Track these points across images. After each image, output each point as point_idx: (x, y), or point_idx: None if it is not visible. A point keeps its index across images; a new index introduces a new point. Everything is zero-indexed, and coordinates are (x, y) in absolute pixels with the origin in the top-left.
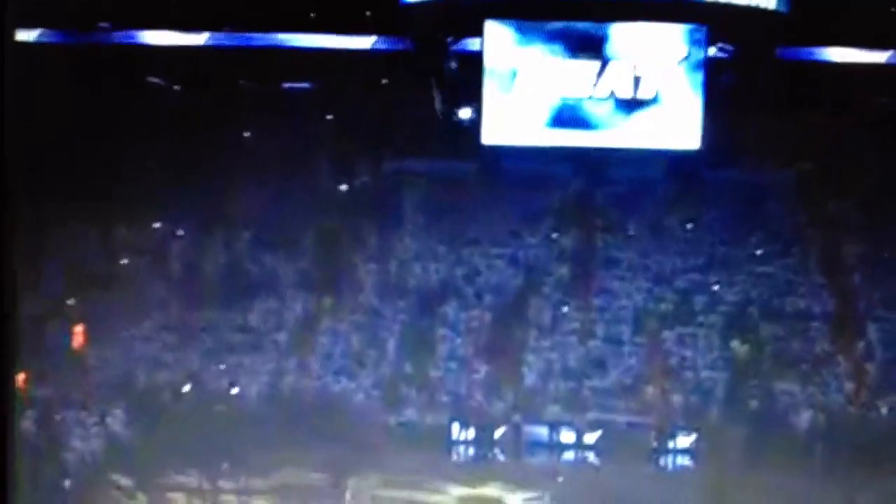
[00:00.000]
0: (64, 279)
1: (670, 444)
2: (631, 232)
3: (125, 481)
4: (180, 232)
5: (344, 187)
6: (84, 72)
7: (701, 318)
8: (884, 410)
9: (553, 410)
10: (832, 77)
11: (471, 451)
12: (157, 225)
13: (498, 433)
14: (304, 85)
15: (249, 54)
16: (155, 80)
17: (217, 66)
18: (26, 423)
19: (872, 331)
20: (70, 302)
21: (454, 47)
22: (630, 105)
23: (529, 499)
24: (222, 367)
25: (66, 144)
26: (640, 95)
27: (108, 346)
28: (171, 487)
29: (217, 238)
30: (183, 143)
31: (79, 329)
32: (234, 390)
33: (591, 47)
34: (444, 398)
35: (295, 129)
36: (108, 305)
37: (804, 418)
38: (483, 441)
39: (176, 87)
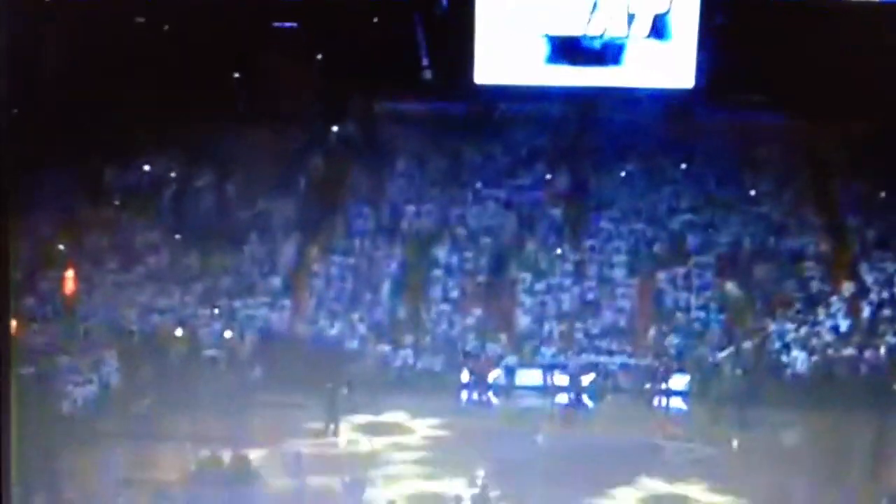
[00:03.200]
0: (55, 224)
1: (663, 386)
2: (624, 173)
3: (118, 426)
4: (172, 174)
5: (335, 128)
6: (72, 12)
7: (695, 259)
8: (875, 350)
9: (548, 353)
10: (828, 15)
11: (465, 393)
12: (147, 167)
13: (492, 376)
14: (293, 24)
15: None
16: (142, 20)
17: (205, 6)
18: (20, 369)
19: (865, 271)
20: (60, 247)
21: None
22: (623, 43)
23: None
24: (216, 311)
25: (54, 88)
26: (634, 33)
27: (99, 292)
28: (163, 433)
29: (207, 180)
30: (172, 84)
31: (69, 274)
32: (228, 334)
33: None
34: (438, 341)
35: (284, 69)
36: (99, 250)
37: (797, 358)
38: (477, 384)
39: (164, 28)
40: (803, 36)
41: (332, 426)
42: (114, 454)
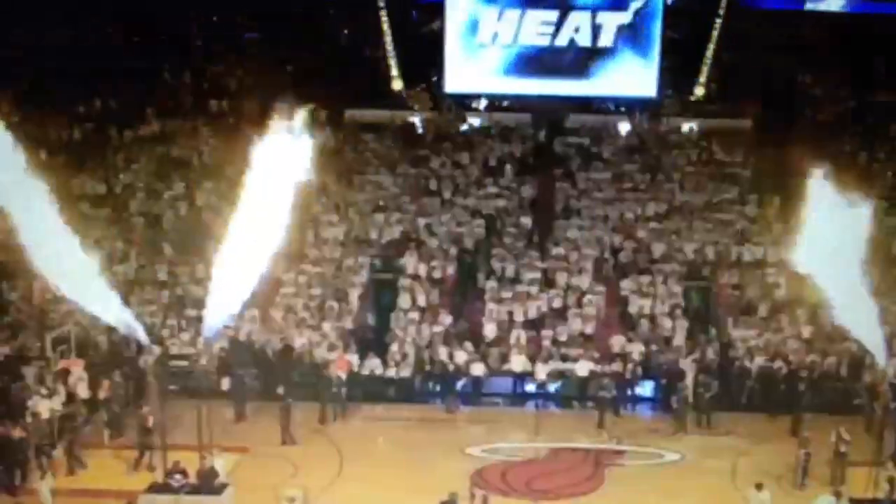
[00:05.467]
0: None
1: (629, 392)
2: (590, 181)
3: (84, 436)
4: (140, 184)
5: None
6: (44, 23)
7: (660, 267)
8: (833, 358)
9: (515, 360)
10: (792, 24)
11: (432, 401)
12: (115, 177)
13: (459, 384)
14: (264, 35)
15: (209, 3)
16: (111, 31)
17: (176, 17)
18: None
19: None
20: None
21: None
22: (589, 54)
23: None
24: (183, 321)
25: (25, 97)
26: (600, 44)
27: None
28: (129, 443)
29: (177, 190)
30: (141, 95)
31: (37, 285)
32: (199, 343)
33: None
34: (406, 349)
35: (254, 79)
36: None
37: (760, 363)
38: (445, 391)
39: (135, 39)
40: (766, 45)
41: (287, 434)
42: (81, 464)
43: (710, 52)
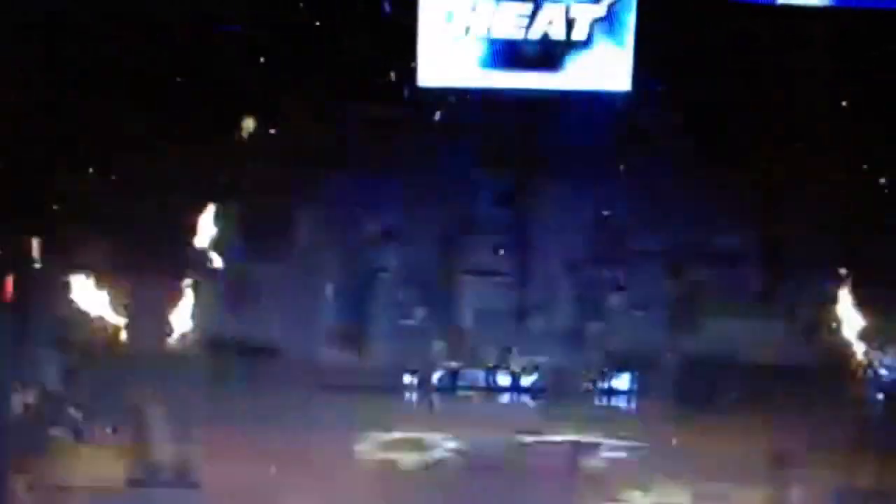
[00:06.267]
0: None
1: (605, 386)
2: (564, 175)
3: (62, 431)
4: (113, 177)
5: (273, 131)
6: (17, 15)
7: (635, 260)
8: (813, 346)
9: (490, 354)
10: (768, 17)
11: (407, 396)
12: (90, 170)
13: (435, 377)
14: (236, 27)
15: None
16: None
17: (147, 8)
18: None
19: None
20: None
21: None
22: (564, 47)
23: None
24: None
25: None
26: (574, 37)
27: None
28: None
29: (151, 186)
30: (114, 88)
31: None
32: (170, 340)
33: None
34: (381, 343)
35: (227, 73)
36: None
37: (740, 358)
38: (421, 386)
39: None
40: (741, 39)
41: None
42: (55, 460)
43: (685, 46)
